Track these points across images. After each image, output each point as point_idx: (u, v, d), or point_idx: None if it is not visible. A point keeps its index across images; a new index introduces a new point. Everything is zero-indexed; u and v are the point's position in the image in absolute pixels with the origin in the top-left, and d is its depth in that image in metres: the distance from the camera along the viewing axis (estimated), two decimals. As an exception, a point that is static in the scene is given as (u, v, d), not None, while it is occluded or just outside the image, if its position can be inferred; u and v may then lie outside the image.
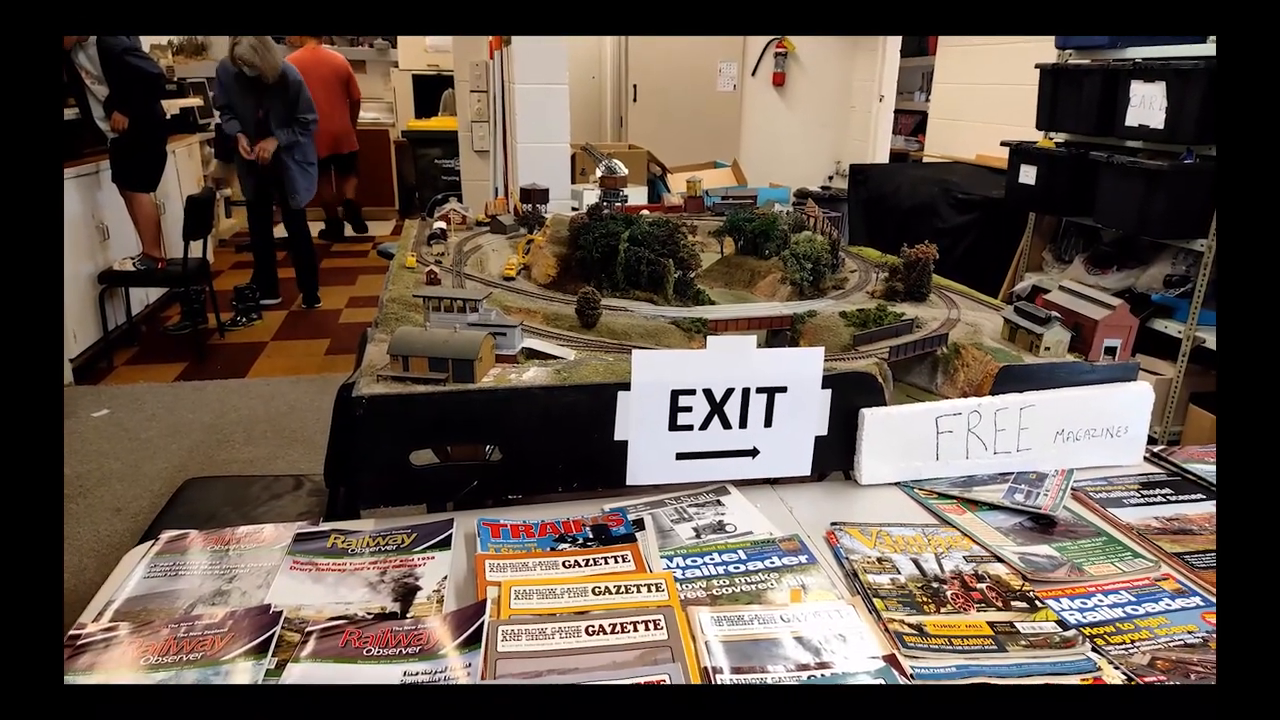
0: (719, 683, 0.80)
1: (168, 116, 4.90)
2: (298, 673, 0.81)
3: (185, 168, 5.92)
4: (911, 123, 6.72)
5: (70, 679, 0.80)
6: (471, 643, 0.84)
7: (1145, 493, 1.22)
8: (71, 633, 0.87)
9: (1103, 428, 1.29)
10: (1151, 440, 1.35)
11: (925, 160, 5.48)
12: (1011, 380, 1.28)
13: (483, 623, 0.87)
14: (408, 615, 0.92)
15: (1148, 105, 2.94)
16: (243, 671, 0.81)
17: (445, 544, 1.05)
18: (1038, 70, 3.51)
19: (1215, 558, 1.05)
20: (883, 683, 0.80)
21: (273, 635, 0.86)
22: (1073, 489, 1.22)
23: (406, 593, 0.96)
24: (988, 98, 4.86)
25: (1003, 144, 3.69)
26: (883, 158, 6.19)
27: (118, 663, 0.82)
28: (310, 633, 0.87)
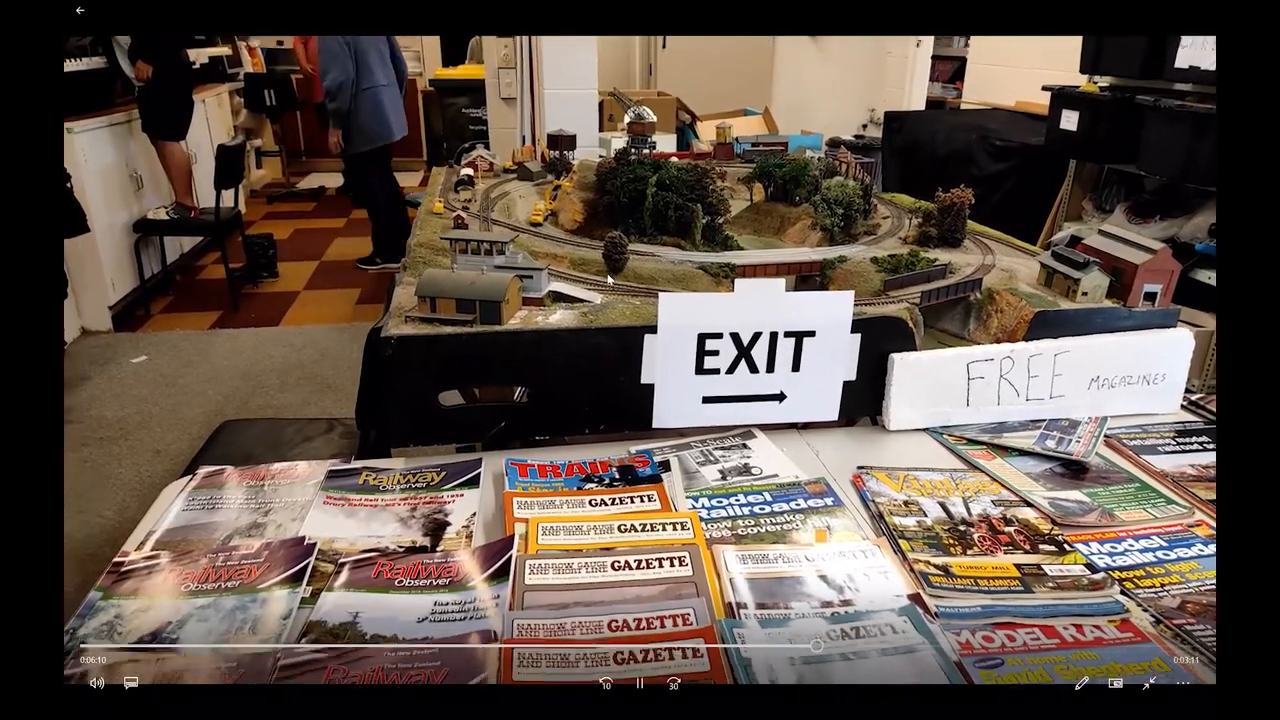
0: (742, 617, 0.81)
1: (195, 65, 4.89)
2: (332, 601, 0.83)
3: (215, 117, 5.93)
4: (949, 69, 6.50)
5: (115, 602, 0.83)
6: (500, 576, 0.86)
7: (1181, 440, 1.20)
8: (115, 560, 0.90)
9: (1140, 374, 1.26)
10: (1190, 392, 1.32)
11: (963, 107, 5.32)
12: (1047, 326, 1.25)
13: (511, 557, 0.88)
14: (438, 549, 0.93)
15: (1201, 45, 2.81)
16: (279, 599, 0.84)
17: (474, 482, 1.06)
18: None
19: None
20: (907, 620, 0.80)
21: (307, 565, 0.88)
22: (1106, 436, 1.20)
23: (436, 528, 0.98)
24: (1030, 42, 4.67)
25: (1044, 89, 3.57)
26: (919, 105, 5.98)
27: (159, 588, 0.85)
28: (343, 564, 0.89)
